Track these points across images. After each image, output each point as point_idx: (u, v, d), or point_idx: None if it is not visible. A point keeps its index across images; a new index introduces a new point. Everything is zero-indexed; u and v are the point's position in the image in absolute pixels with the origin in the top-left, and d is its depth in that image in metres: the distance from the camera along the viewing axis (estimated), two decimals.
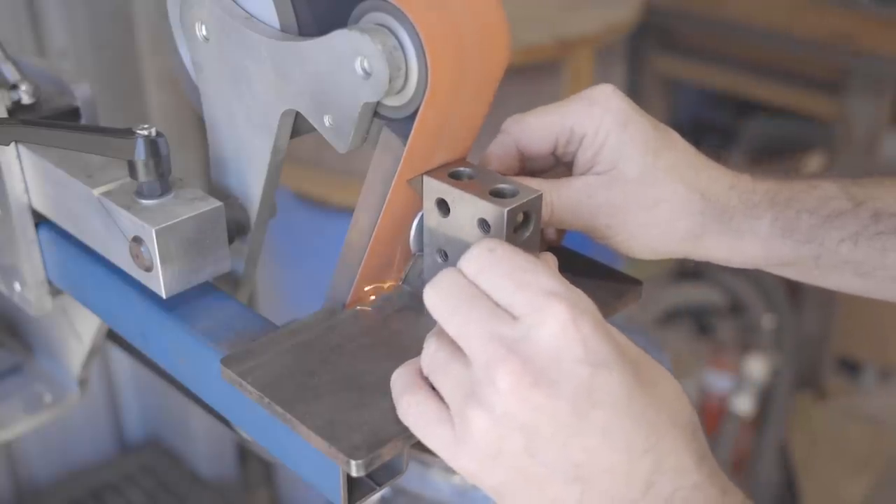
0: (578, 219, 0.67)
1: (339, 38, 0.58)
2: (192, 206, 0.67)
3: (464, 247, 0.57)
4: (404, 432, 0.56)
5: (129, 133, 0.66)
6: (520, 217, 0.60)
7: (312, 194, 1.72)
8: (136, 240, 0.66)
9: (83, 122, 0.80)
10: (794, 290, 2.52)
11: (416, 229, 0.66)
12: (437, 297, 0.54)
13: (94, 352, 0.93)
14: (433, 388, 0.54)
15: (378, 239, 0.65)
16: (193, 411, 1.35)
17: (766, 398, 2.38)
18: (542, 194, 0.61)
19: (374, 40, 0.56)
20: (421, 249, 0.67)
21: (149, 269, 0.67)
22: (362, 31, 0.57)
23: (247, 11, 0.65)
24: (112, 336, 0.90)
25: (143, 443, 2.06)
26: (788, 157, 2.69)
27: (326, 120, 0.62)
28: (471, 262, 0.54)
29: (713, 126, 3.06)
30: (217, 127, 0.71)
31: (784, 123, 2.79)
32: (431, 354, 0.54)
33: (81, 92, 0.80)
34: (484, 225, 0.60)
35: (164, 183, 0.67)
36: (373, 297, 0.68)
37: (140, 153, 0.66)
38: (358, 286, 0.67)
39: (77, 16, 1.66)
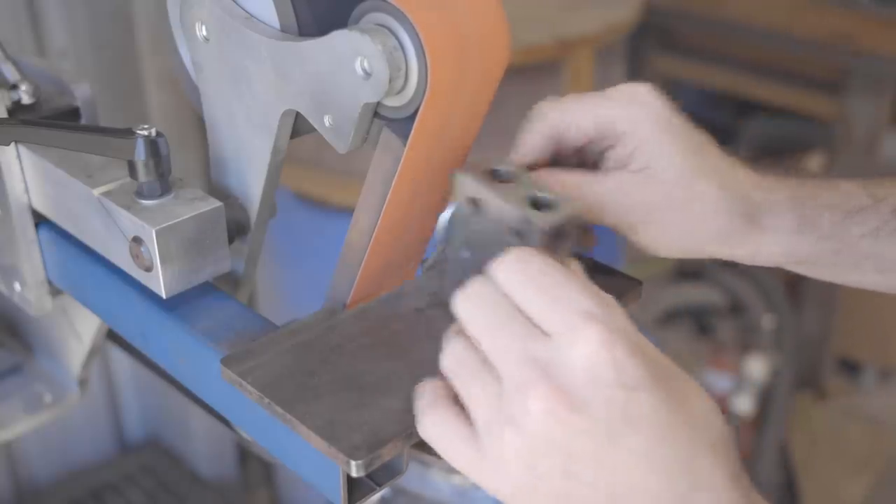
0: (609, 216, 0.66)
1: (340, 39, 0.58)
2: (192, 206, 0.67)
3: (494, 249, 0.55)
4: (404, 432, 0.56)
5: (129, 133, 0.66)
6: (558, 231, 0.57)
7: (312, 194, 1.72)
8: (136, 240, 0.66)
9: (83, 122, 0.80)
10: (794, 290, 2.52)
11: (445, 221, 0.63)
12: (470, 308, 0.53)
13: (94, 352, 0.93)
14: (457, 404, 0.53)
15: (378, 239, 0.65)
16: (193, 411, 1.35)
17: (766, 398, 2.38)
18: (582, 207, 0.59)
19: (374, 40, 0.56)
20: (445, 241, 0.64)
21: (149, 269, 0.67)
22: (362, 32, 0.57)
23: (247, 11, 0.65)
24: (112, 336, 0.90)
25: (143, 443, 2.06)
26: (788, 157, 2.69)
27: (326, 120, 0.62)
28: (504, 272, 0.53)
29: (713, 126, 3.03)
30: (217, 127, 0.71)
31: (784, 123, 2.79)
32: (458, 358, 0.53)
33: (81, 92, 0.80)
34: (519, 234, 0.57)
35: (164, 183, 0.67)
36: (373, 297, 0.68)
37: (140, 153, 0.66)
38: (358, 286, 0.67)
39: (77, 16, 1.66)
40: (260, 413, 0.60)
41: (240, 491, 2.12)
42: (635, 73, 2.56)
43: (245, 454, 2.09)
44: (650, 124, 0.65)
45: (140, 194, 0.68)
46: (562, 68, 1.62)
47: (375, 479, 0.61)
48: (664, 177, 0.65)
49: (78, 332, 0.92)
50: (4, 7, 1.58)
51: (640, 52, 2.61)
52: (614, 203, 0.66)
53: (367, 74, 0.58)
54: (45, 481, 1.92)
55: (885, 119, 2.44)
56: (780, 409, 2.40)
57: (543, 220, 0.56)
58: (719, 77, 2.65)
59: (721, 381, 2.35)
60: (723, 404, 2.35)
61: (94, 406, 1.94)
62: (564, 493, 0.51)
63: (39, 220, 0.79)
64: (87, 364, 0.95)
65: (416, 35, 0.56)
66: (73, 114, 0.80)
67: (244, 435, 0.75)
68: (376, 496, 0.66)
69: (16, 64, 0.77)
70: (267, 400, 0.59)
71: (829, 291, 2.55)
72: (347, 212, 0.68)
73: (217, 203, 0.68)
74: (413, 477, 1.27)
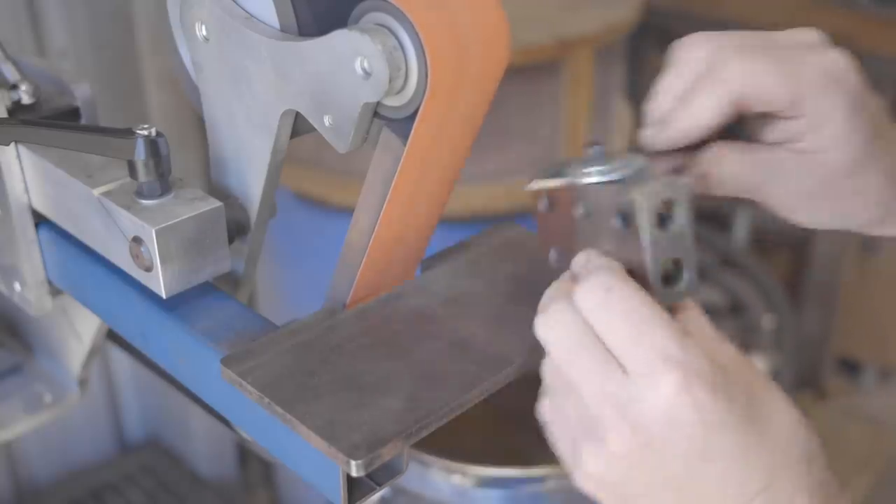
0: (755, 191, 0.62)
1: (339, 38, 0.58)
2: (192, 206, 0.67)
3: (601, 228, 0.54)
4: (404, 432, 0.56)
5: (129, 133, 0.66)
6: (664, 207, 0.53)
7: (312, 194, 1.72)
8: (136, 240, 0.66)
9: (83, 122, 0.80)
10: (794, 290, 2.52)
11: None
12: (551, 334, 0.53)
13: (94, 352, 0.93)
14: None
15: (378, 239, 0.65)
16: (193, 411, 1.35)
17: None
18: (689, 183, 0.53)
19: (374, 40, 0.56)
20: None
21: (149, 269, 0.67)
22: (362, 31, 0.57)
23: (247, 11, 0.65)
24: (112, 336, 0.90)
25: (143, 443, 2.06)
26: None
27: (326, 120, 0.62)
28: (585, 297, 0.52)
29: None
30: (217, 127, 0.71)
31: None
32: (549, 373, 0.54)
33: (81, 92, 0.80)
34: (625, 217, 0.53)
35: (164, 183, 0.67)
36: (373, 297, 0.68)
37: (140, 153, 0.66)
38: (358, 286, 0.67)
39: (77, 16, 1.66)
40: (260, 413, 0.60)
41: (240, 491, 2.12)
42: (635, 73, 2.56)
43: (245, 454, 2.09)
44: (843, 111, 0.58)
45: (140, 194, 0.68)
46: (561, 68, 1.62)
47: (375, 478, 0.61)
48: (835, 164, 0.60)
49: (78, 332, 0.92)
50: (4, 7, 1.58)
51: (640, 52, 2.61)
52: (765, 182, 0.61)
53: (367, 74, 0.58)
54: (45, 481, 1.92)
55: None
56: None
57: (650, 199, 0.52)
58: None
59: None
60: None
61: (94, 406, 1.94)
62: None
63: (39, 220, 0.79)
64: (87, 364, 0.95)
65: (416, 35, 0.56)
66: (73, 114, 0.80)
67: (244, 435, 0.75)
68: (376, 496, 0.66)
69: (16, 64, 0.77)
70: (267, 400, 0.59)
71: (829, 291, 2.55)
72: (347, 212, 0.68)
73: (217, 203, 0.68)
74: (413, 477, 1.27)
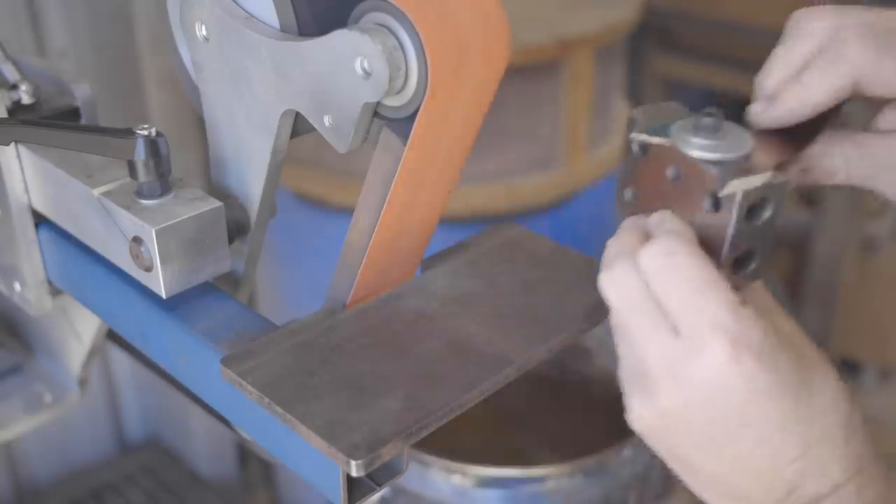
0: (868, 181, 0.61)
1: (339, 38, 0.58)
2: (192, 206, 0.67)
3: (691, 192, 0.54)
4: (404, 432, 0.56)
5: (129, 133, 0.66)
6: (757, 201, 0.53)
7: (312, 194, 1.72)
8: (136, 240, 0.66)
9: (83, 122, 0.80)
10: (795, 290, 2.52)
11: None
12: (613, 292, 0.55)
13: (94, 352, 0.93)
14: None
15: (378, 239, 0.65)
16: (193, 411, 1.35)
17: None
18: (787, 182, 0.53)
19: (374, 40, 0.56)
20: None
21: (149, 269, 0.67)
22: (362, 31, 0.57)
23: (247, 11, 0.65)
24: (112, 336, 0.90)
25: (143, 443, 2.06)
26: None
27: (326, 120, 0.62)
28: (648, 261, 0.53)
29: None
30: (217, 127, 0.71)
31: None
32: (615, 323, 0.55)
33: (81, 92, 0.80)
34: (714, 198, 0.54)
35: (164, 183, 0.67)
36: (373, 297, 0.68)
37: (140, 153, 0.66)
38: (358, 286, 0.67)
39: (77, 16, 1.66)
40: (260, 413, 0.60)
41: (240, 491, 2.12)
42: (635, 73, 2.57)
43: (245, 454, 2.09)
44: None
45: (140, 194, 0.68)
46: (561, 68, 1.62)
47: (375, 478, 0.61)
48: None
49: (78, 332, 0.92)
50: (4, 7, 1.58)
51: (640, 52, 2.61)
52: (884, 172, 0.61)
53: (367, 74, 0.58)
54: (45, 481, 1.92)
55: None
56: None
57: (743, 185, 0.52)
58: (719, 77, 2.65)
59: None
60: None
61: (94, 406, 1.94)
62: (678, 458, 0.55)
63: (39, 220, 0.79)
64: (87, 364, 0.95)
65: (416, 35, 0.56)
66: (73, 114, 0.80)
67: (244, 435, 0.75)
68: (376, 496, 0.66)
69: (16, 64, 0.77)
70: (267, 400, 0.59)
71: (829, 291, 2.55)
72: (347, 212, 0.68)
73: (217, 203, 0.68)
74: (413, 477, 1.27)
